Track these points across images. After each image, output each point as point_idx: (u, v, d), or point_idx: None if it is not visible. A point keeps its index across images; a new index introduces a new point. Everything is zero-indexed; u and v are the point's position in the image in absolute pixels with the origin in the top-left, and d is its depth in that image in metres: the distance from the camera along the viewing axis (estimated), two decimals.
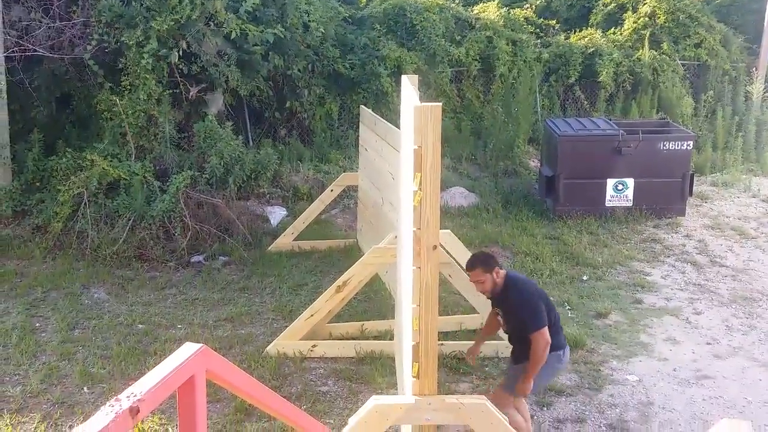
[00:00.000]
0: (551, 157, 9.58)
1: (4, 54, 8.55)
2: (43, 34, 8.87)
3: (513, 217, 9.44)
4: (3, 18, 8.58)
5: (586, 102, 12.49)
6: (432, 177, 3.11)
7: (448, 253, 5.84)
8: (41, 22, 8.88)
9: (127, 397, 1.25)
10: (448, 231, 6.27)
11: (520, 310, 4.32)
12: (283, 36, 9.75)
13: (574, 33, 13.34)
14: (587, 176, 9.21)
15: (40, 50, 8.80)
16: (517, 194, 10.26)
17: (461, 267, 6.00)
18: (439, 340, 5.86)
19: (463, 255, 6.31)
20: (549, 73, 12.62)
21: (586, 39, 12.96)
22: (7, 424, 4.76)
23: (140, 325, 6.39)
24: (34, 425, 4.81)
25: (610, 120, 10.16)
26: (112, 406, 1.21)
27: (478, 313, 6.06)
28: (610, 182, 9.25)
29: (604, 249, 8.42)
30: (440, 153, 3.13)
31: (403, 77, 4.97)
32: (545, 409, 5.20)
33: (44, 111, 9.44)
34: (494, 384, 5.47)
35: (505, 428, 3.32)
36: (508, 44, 12.14)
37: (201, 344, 1.54)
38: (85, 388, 5.30)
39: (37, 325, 6.34)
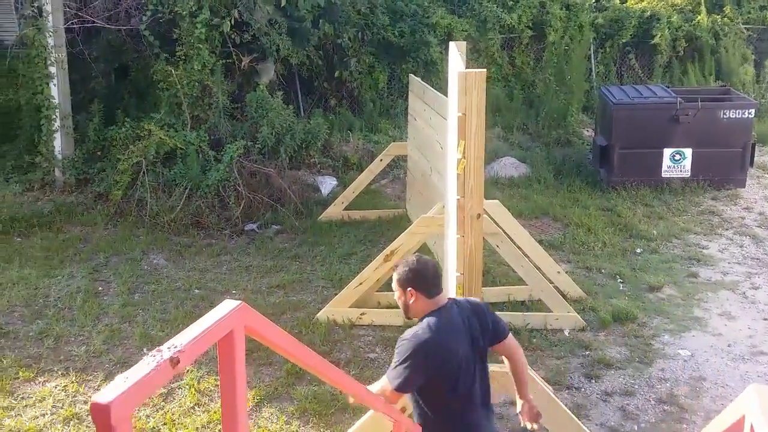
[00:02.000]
0: (606, 126, 9.36)
1: (65, 26, 8.80)
2: (100, 6, 9.09)
3: (565, 188, 9.30)
4: None
5: (640, 70, 12.11)
6: (476, 144, 3.10)
7: (496, 223, 5.82)
8: None
9: (168, 348, 1.32)
10: (497, 201, 6.24)
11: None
12: (333, 1, 9.72)
13: None
14: (643, 146, 8.98)
15: (98, 21, 9.03)
16: (569, 164, 10.08)
17: (509, 238, 5.99)
18: None
19: (512, 225, 6.30)
20: (604, 39, 12.25)
21: (643, 2, 12.50)
22: (72, 382, 5.03)
23: (197, 290, 6.60)
24: (98, 383, 5.06)
25: (668, 87, 9.83)
26: (154, 356, 1.28)
27: (527, 285, 6.06)
28: (667, 152, 8.99)
29: (659, 221, 8.23)
30: (485, 120, 3.11)
31: (451, 44, 4.94)
32: (593, 381, 5.19)
33: (103, 81, 9.71)
34: (542, 356, 5.49)
35: (547, 396, 3.34)
36: (561, 9, 11.83)
37: (240, 301, 1.62)
38: (144, 349, 5.53)
39: (100, 288, 6.61)
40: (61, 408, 4.75)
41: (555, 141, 10.91)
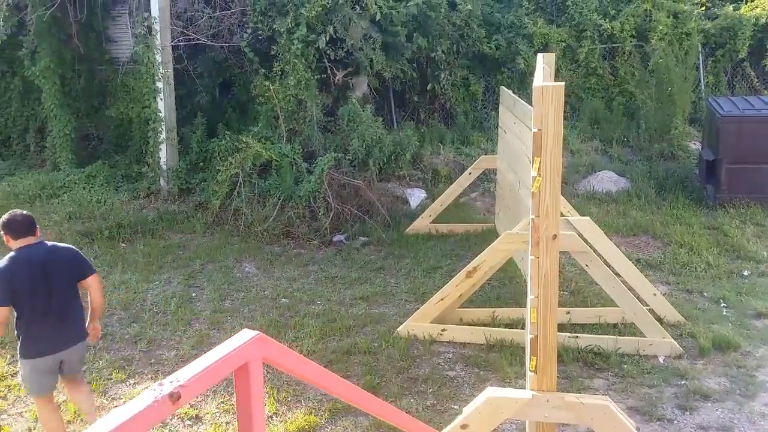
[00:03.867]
0: (713, 140, 8.80)
1: (172, 43, 9.30)
2: (205, 24, 9.55)
3: (667, 205, 8.81)
4: (171, 10, 9.33)
5: (756, 80, 11.30)
6: (552, 162, 2.97)
7: (586, 241, 5.57)
8: (203, 12, 9.57)
9: (171, 382, 1.29)
10: (587, 218, 5.97)
11: None
12: (428, 15, 9.71)
13: (746, 3, 12.07)
14: (754, 161, 8.36)
15: (203, 39, 9.48)
16: (673, 179, 9.55)
17: (601, 257, 5.72)
18: (575, 332, 5.72)
19: (604, 244, 6.01)
20: (715, 48, 11.55)
21: (758, 9, 11.67)
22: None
23: (284, 299, 6.73)
24: None
25: None
26: (154, 390, 1.26)
27: (618, 307, 5.75)
28: None
29: None
30: (562, 136, 2.98)
31: (539, 55, 4.80)
32: (688, 413, 4.84)
33: (207, 96, 10.18)
34: (632, 383, 5.19)
35: (626, 429, 3.13)
36: (668, 16, 11.24)
37: (257, 332, 1.57)
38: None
39: (194, 294, 6.89)
40: None
41: (658, 154, 10.38)
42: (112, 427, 1.11)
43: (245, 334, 1.53)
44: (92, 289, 4.35)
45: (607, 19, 11.15)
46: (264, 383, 5.03)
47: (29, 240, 4.20)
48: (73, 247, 4.41)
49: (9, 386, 5.22)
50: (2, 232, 4.20)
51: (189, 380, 1.29)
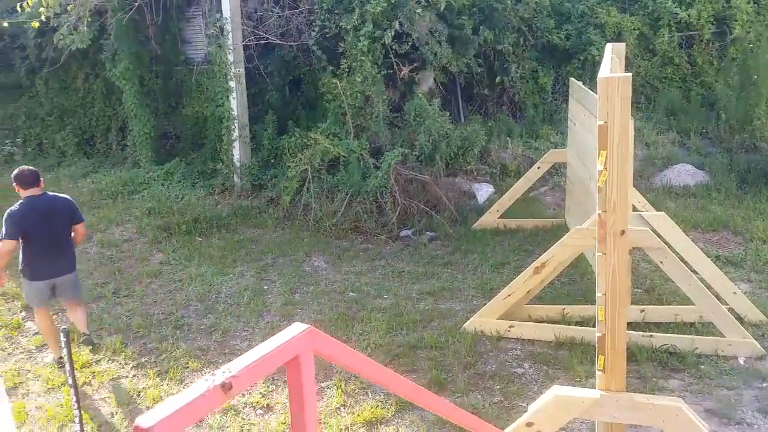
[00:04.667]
0: None
1: (243, 43, 9.54)
2: (274, 23, 9.74)
3: (749, 199, 8.43)
4: (241, 10, 9.57)
5: None
6: (619, 155, 2.89)
7: (660, 237, 5.39)
8: (272, 12, 9.76)
9: (223, 372, 1.34)
10: (662, 213, 5.78)
11: None
12: (494, 7, 9.58)
13: None
14: None
15: (272, 38, 9.68)
16: (755, 172, 9.10)
17: (677, 253, 5.54)
18: (650, 331, 5.56)
19: (680, 240, 5.81)
20: None
21: None
22: None
23: (351, 293, 6.83)
24: None
25: None
26: (207, 380, 1.31)
27: (695, 305, 5.55)
28: None
29: None
30: (629, 128, 2.89)
31: (607, 45, 4.68)
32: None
33: (277, 94, 10.39)
34: (710, 385, 5.00)
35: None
36: (749, 2, 10.71)
37: (308, 325, 1.60)
38: None
39: (265, 287, 7.07)
40: None
41: (739, 146, 9.92)
42: (166, 413, 1.17)
43: (296, 328, 1.58)
44: (77, 232, 5.65)
45: (683, 7, 10.72)
46: (332, 376, 5.15)
47: (34, 191, 5.38)
48: (69, 197, 5.64)
49: (94, 372, 5.51)
50: (15, 183, 5.37)
51: (240, 371, 1.34)
